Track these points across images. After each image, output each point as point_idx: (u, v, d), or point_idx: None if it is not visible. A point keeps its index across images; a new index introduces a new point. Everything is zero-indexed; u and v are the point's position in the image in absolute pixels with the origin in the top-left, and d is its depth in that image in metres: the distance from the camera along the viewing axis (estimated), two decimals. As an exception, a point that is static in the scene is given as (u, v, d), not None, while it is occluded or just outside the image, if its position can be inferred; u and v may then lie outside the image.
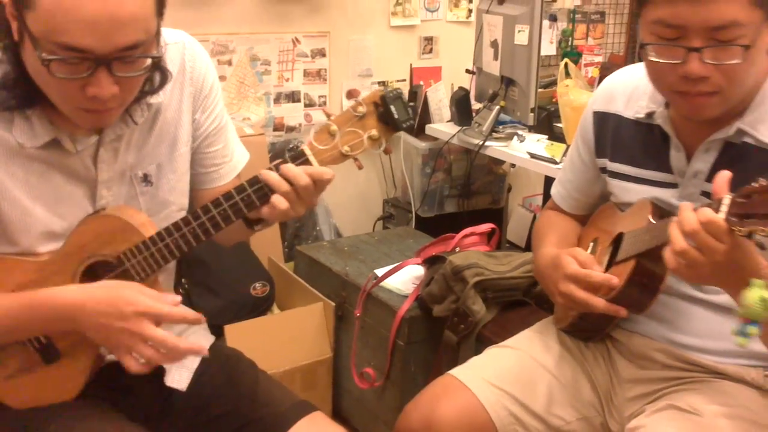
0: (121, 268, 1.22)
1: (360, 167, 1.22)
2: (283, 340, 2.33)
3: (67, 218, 1.23)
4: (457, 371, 1.49)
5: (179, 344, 1.15)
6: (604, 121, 1.47)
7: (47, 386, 1.28)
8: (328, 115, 1.18)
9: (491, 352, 1.55)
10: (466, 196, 3.23)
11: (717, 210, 1.05)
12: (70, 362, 1.27)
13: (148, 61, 1.12)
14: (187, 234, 1.20)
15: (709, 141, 1.28)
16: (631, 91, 1.39)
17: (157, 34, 1.13)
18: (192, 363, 1.41)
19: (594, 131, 1.49)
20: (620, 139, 1.43)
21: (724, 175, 1.08)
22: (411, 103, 1.13)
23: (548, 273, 1.44)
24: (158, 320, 1.15)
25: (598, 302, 1.31)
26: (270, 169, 1.18)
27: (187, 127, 1.33)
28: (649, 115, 1.37)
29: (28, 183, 1.20)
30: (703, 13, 1.14)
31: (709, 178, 1.26)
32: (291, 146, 3.09)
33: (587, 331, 1.48)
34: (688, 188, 1.32)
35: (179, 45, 1.30)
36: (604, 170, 1.49)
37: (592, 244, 1.50)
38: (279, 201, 1.17)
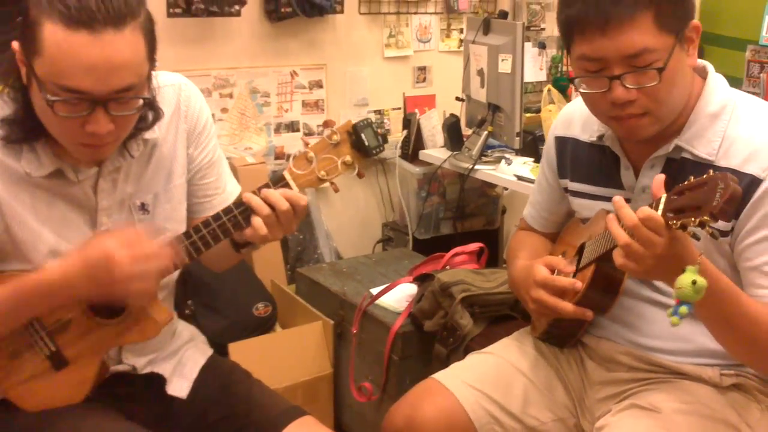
0: None
1: (336, 190, 1.35)
2: (285, 357, 2.45)
3: (71, 240, 1.36)
4: (438, 375, 1.60)
5: (158, 249, 1.26)
6: (563, 144, 1.60)
7: (57, 390, 1.40)
8: (306, 144, 1.32)
9: (471, 358, 1.67)
10: (460, 218, 3.35)
11: (656, 208, 1.17)
12: (77, 369, 1.40)
13: (141, 101, 1.26)
14: (179, 251, 1.33)
15: (652, 158, 1.41)
16: (587, 117, 1.52)
17: (149, 77, 1.27)
18: (191, 373, 1.54)
19: (556, 154, 1.62)
20: (578, 161, 1.57)
21: (660, 178, 1.20)
22: (381, 131, 1.28)
23: (521, 283, 1.56)
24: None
25: (566, 306, 1.43)
26: (253, 192, 1.31)
27: (182, 161, 1.47)
28: (600, 137, 1.50)
29: (35, 208, 1.34)
30: (617, 44, 1.27)
31: None
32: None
33: (560, 337, 1.60)
34: (638, 202, 1.43)
35: (175, 86, 1.45)
36: (566, 190, 1.62)
37: (560, 257, 1.62)
38: (259, 224, 1.29)
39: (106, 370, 1.44)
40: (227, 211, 1.33)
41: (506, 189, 3.38)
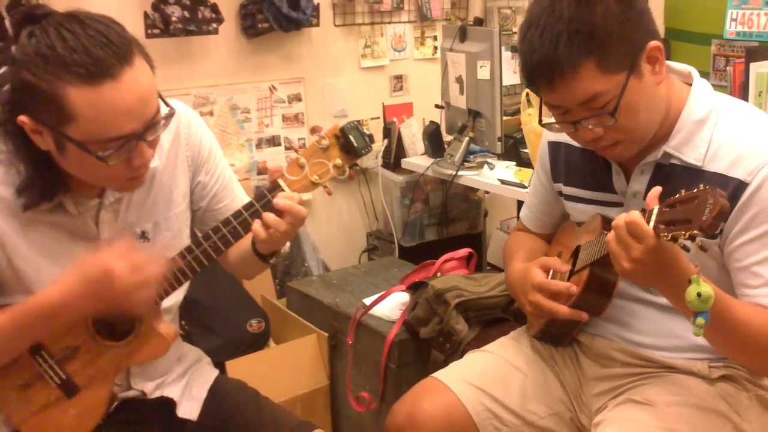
0: None
1: (329, 193, 1.36)
2: (282, 372, 2.47)
3: None
4: (438, 373, 1.65)
5: (153, 256, 1.28)
6: (557, 149, 1.64)
7: (69, 419, 1.42)
8: (296, 150, 1.34)
9: (470, 357, 1.72)
10: (444, 224, 3.39)
11: (648, 219, 1.21)
12: (89, 394, 1.41)
13: (163, 120, 1.29)
14: (183, 267, 1.36)
15: (642, 164, 1.45)
16: None
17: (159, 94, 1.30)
18: (200, 395, 1.56)
19: (549, 159, 1.66)
20: (571, 165, 1.61)
21: (656, 190, 1.25)
22: (368, 132, 1.30)
23: (518, 285, 1.60)
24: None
25: (562, 309, 1.47)
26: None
27: (183, 189, 1.49)
28: None
29: (37, 242, 1.35)
30: (568, 95, 1.33)
31: (646, 197, 1.43)
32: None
33: (555, 336, 1.64)
34: (630, 207, 1.47)
35: (174, 114, 1.46)
36: (560, 193, 1.66)
37: (556, 257, 1.66)
38: (260, 231, 1.31)
39: (116, 397, 1.45)
40: (226, 222, 1.35)
41: (488, 192, 3.42)
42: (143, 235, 1.45)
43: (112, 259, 1.24)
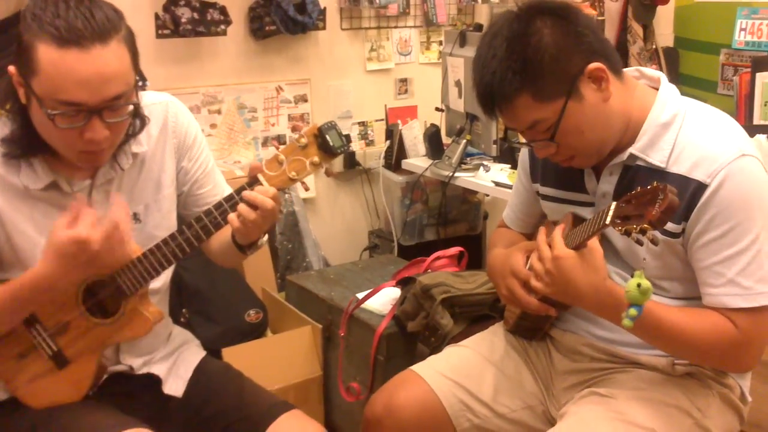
0: (113, 284, 1.48)
1: (306, 189, 1.44)
2: (277, 361, 2.56)
3: None
4: (416, 366, 1.73)
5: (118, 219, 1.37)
6: None
7: (59, 388, 1.52)
8: (277, 147, 1.43)
9: (447, 350, 1.80)
10: (443, 225, 3.47)
11: (606, 215, 1.29)
12: (78, 367, 1.52)
13: (131, 107, 1.39)
14: (166, 253, 1.45)
15: (610, 165, 1.52)
16: None
17: (135, 85, 1.40)
18: (186, 373, 1.66)
19: (529, 160, 1.75)
20: (548, 167, 1.68)
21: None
22: (345, 133, 1.39)
23: (498, 269, 1.66)
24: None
25: (532, 301, 1.54)
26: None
27: (171, 173, 1.60)
28: None
29: (34, 219, 1.47)
30: (513, 122, 1.48)
31: (615, 197, 1.50)
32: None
33: (528, 330, 1.72)
34: (600, 206, 1.55)
35: (163, 104, 1.58)
36: (538, 193, 1.74)
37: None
38: (233, 219, 1.40)
39: (105, 370, 1.56)
40: (207, 212, 1.44)
41: (488, 195, 3.49)
42: (135, 217, 1.56)
43: (82, 228, 1.33)
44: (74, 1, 1.30)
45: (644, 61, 4.03)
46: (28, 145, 1.42)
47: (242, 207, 1.38)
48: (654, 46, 4.13)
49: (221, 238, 1.54)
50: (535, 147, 1.49)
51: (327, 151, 1.39)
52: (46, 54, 1.28)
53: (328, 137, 1.38)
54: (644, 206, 1.21)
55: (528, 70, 1.38)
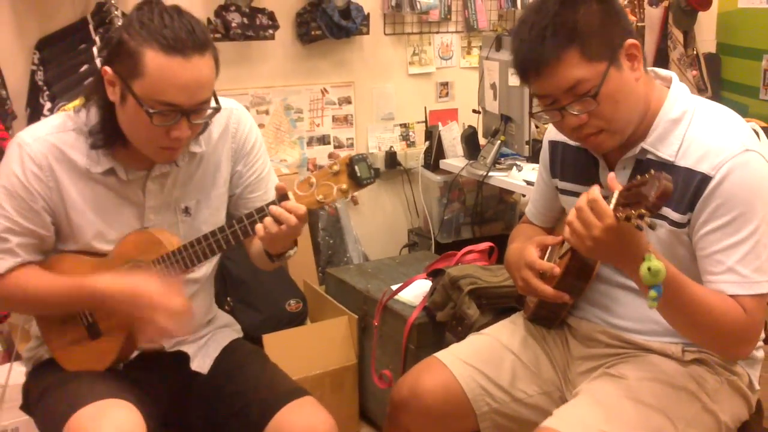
0: (150, 271, 1.60)
1: (356, 203, 1.51)
2: (314, 349, 2.70)
3: (118, 229, 1.64)
4: (439, 353, 1.83)
5: (181, 306, 1.53)
6: (555, 147, 1.81)
7: (88, 357, 1.67)
8: (311, 170, 1.53)
9: (470, 339, 1.89)
10: (479, 223, 3.57)
11: (609, 201, 1.36)
12: (108, 340, 1.66)
13: (210, 111, 1.54)
14: (198, 250, 1.57)
15: (623, 159, 1.61)
16: None
17: (215, 93, 1.55)
18: (214, 352, 1.78)
19: (549, 156, 1.83)
20: (566, 162, 1.77)
21: (612, 175, 1.41)
22: (375, 166, 1.46)
23: (514, 262, 1.74)
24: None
25: (547, 289, 1.61)
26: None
27: (225, 175, 1.73)
28: None
29: (91, 198, 1.62)
30: (553, 82, 1.47)
31: None
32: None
33: (546, 318, 1.80)
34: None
35: (227, 110, 1.71)
36: (557, 188, 1.83)
37: (552, 236, 1.82)
38: (259, 229, 1.50)
39: (135, 346, 1.68)
40: (248, 216, 1.54)
41: (524, 195, 3.57)
42: (186, 210, 1.70)
43: (157, 290, 1.51)
44: (176, 13, 1.46)
45: (684, 66, 4.07)
46: (110, 137, 1.56)
47: (267, 220, 1.49)
48: (695, 52, 4.15)
49: (258, 243, 1.65)
50: (565, 115, 1.51)
51: (355, 181, 1.44)
52: (154, 60, 1.43)
53: (356, 168, 1.44)
54: (643, 193, 1.29)
55: (578, 28, 1.44)
